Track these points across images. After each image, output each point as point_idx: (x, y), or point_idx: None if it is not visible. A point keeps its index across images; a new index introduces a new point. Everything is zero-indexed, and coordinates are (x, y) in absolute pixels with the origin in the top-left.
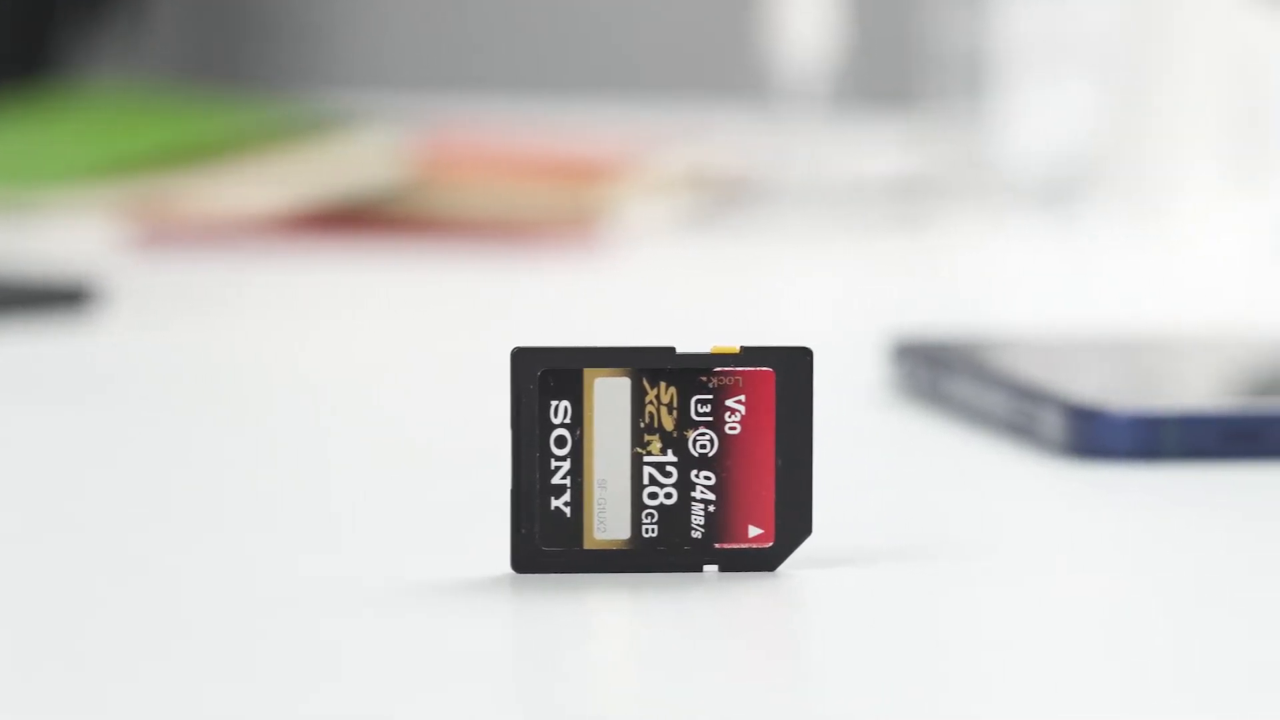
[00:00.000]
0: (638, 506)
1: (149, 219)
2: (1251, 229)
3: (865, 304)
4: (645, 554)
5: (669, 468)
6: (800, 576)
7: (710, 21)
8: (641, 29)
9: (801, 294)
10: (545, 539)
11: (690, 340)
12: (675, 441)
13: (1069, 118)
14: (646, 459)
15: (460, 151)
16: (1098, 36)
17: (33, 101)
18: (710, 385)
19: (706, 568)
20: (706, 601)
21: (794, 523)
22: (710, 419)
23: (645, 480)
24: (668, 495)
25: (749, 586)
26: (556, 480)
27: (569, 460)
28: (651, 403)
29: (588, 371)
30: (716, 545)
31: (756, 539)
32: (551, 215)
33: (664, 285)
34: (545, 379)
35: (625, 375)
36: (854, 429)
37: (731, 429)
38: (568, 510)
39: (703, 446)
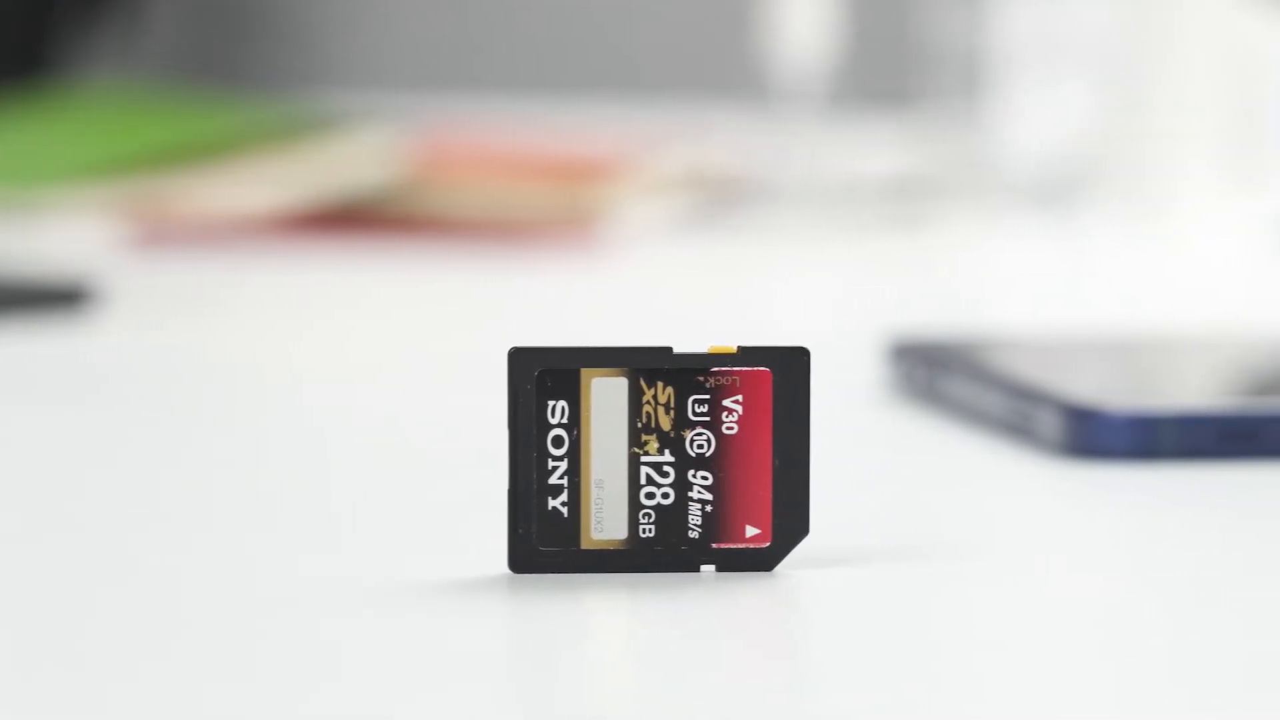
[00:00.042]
0: (635, 506)
1: (146, 219)
2: (1248, 228)
3: (862, 304)
4: (642, 554)
5: (666, 468)
6: (797, 576)
7: (707, 21)
8: (639, 29)
9: (799, 294)
10: (542, 539)
11: (687, 340)
12: (672, 441)
13: (1066, 117)
14: (644, 459)
15: (457, 151)
16: (1095, 36)
17: (30, 101)
18: (707, 385)
19: (704, 568)
20: (704, 601)
21: (791, 523)
22: (707, 419)
23: (642, 480)
24: (665, 495)
25: (746, 586)
26: (554, 480)
27: (566, 460)
28: (649, 403)
29: (585, 371)
30: (714, 545)
31: (754, 539)
32: (548, 215)
33: (661, 285)
34: (542, 379)
35: (622, 375)
36: (851, 429)
37: (729, 429)
38: (565, 510)
39: (700, 446)
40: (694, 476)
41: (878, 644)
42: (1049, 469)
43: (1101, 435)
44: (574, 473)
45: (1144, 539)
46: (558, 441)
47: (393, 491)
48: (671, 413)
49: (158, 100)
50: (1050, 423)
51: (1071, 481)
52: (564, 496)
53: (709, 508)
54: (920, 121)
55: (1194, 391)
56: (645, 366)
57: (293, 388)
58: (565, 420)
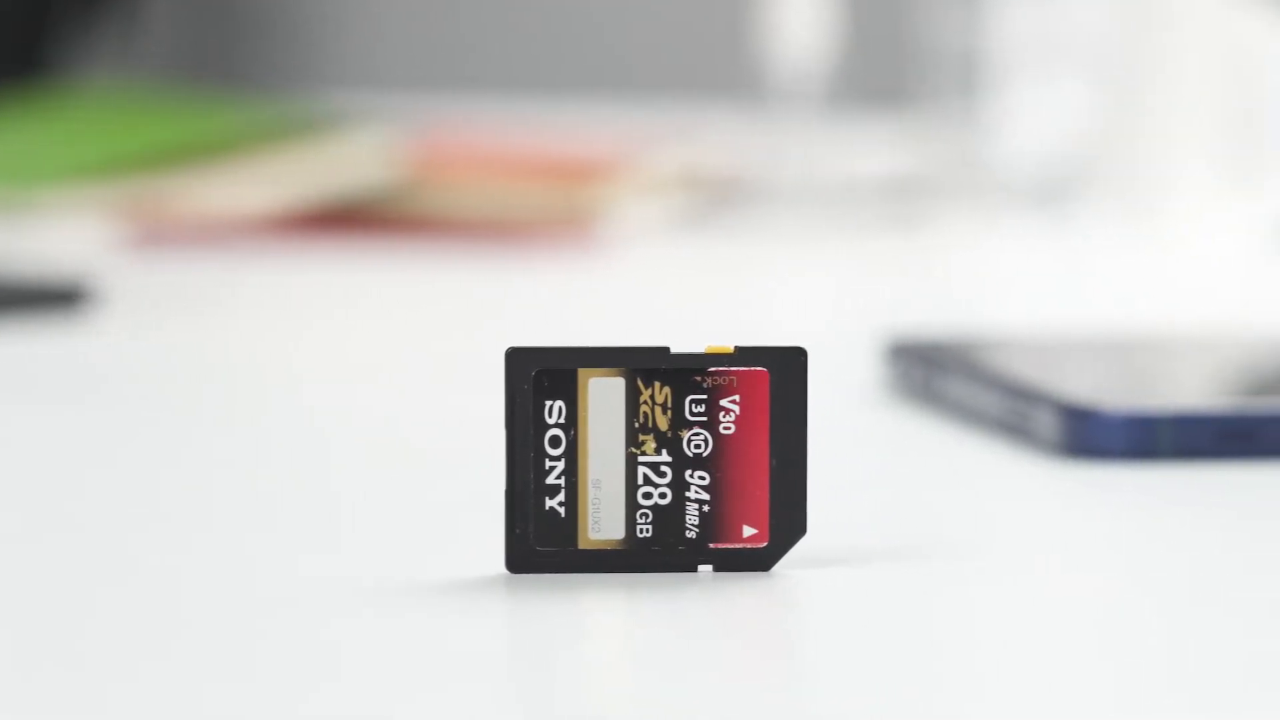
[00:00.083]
0: (632, 506)
1: (143, 219)
2: (1246, 229)
3: (859, 304)
4: (640, 554)
5: (663, 467)
6: (795, 576)
7: (704, 21)
8: (635, 29)
9: (796, 294)
10: (540, 539)
11: (685, 340)
12: (670, 441)
13: (1063, 117)
14: (641, 459)
15: (454, 151)
16: (1091, 36)
17: (27, 101)
18: (705, 385)
19: (701, 568)
20: (701, 601)
21: (788, 522)
22: (705, 419)
23: (640, 480)
24: (662, 495)
25: (743, 586)
26: (551, 480)
27: (564, 460)
28: (646, 403)
29: (582, 371)
30: (711, 545)
31: (751, 539)
32: (545, 215)
33: (658, 285)
34: (540, 379)
35: (620, 375)
36: (848, 429)
37: (726, 429)
38: (562, 510)
39: (697, 446)
40: (691, 476)
41: (875, 644)
42: (1046, 469)
43: (1098, 435)
44: (571, 473)
45: (1141, 539)
46: (555, 441)
47: (391, 491)
48: (669, 413)
49: (156, 100)
50: (1047, 423)
51: (1068, 481)
52: (561, 496)
53: (706, 508)
54: (917, 121)
55: (1191, 391)
56: (642, 366)
57: (291, 388)
58: (562, 420)
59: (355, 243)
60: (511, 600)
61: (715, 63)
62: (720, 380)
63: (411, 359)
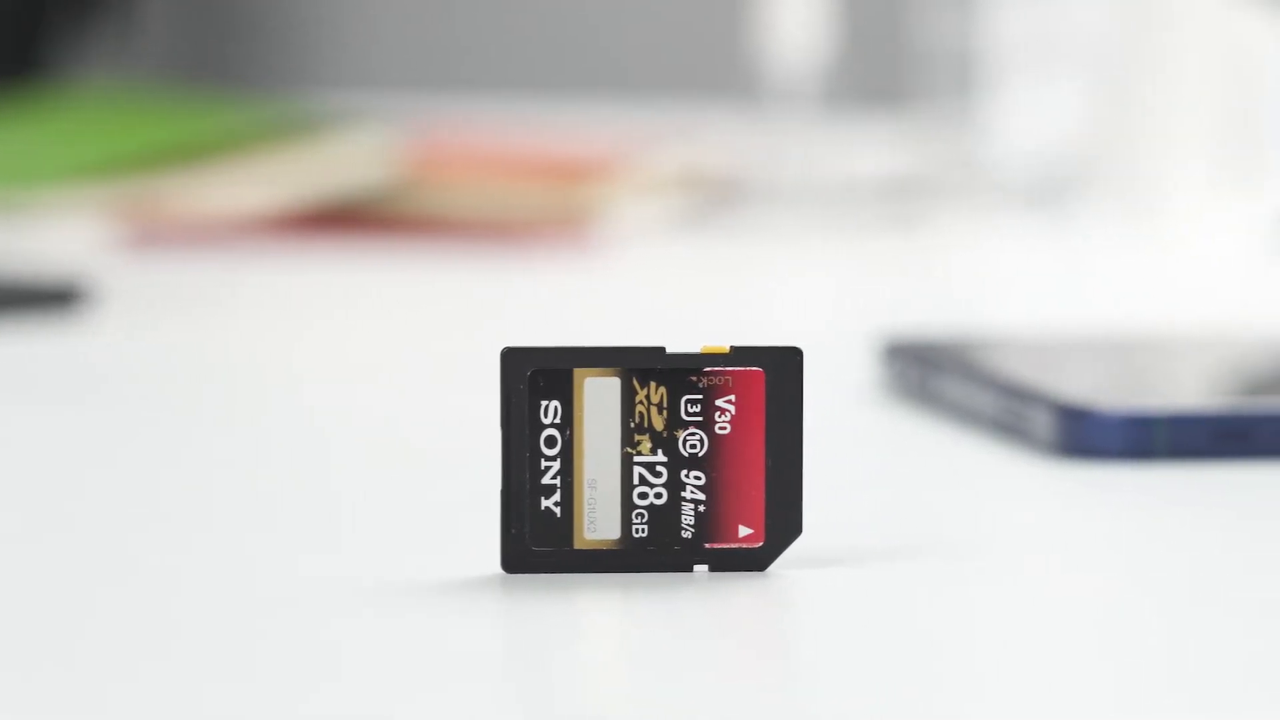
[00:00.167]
0: (628, 506)
1: (140, 219)
2: (1243, 229)
3: (856, 304)
4: (635, 554)
5: (659, 467)
6: (790, 576)
7: (701, 21)
8: (632, 29)
9: (792, 294)
10: (535, 539)
11: (681, 340)
12: (665, 441)
13: (1060, 117)
14: (636, 459)
15: (451, 151)
16: (1089, 36)
17: (23, 102)
18: (700, 385)
19: (697, 568)
20: (697, 601)
21: (784, 522)
22: (700, 419)
23: (635, 480)
24: (658, 495)
25: (739, 586)
26: (547, 480)
27: (559, 460)
28: (641, 403)
29: (578, 371)
30: (707, 545)
31: (747, 539)
32: (542, 215)
33: (655, 285)
34: (535, 379)
35: (615, 375)
36: (844, 429)
37: (721, 429)
38: (558, 510)
39: (693, 446)
40: (687, 476)
41: (871, 644)
42: (1042, 469)
43: (1095, 435)
44: (567, 473)
45: (1138, 539)
46: (550, 441)
47: (386, 491)
48: (664, 413)
49: (152, 100)
50: (1044, 422)
51: (1065, 481)
52: (557, 496)
53: (702, 508)
54: (914, 121)
55: (1188, 391)
56: (638, 366)
57: (289, 388)
58: (558, 420)
59: (353, 243)
60: (508, 600)
61: (713, 63)
62: (716, 380)
63: (409, 359)
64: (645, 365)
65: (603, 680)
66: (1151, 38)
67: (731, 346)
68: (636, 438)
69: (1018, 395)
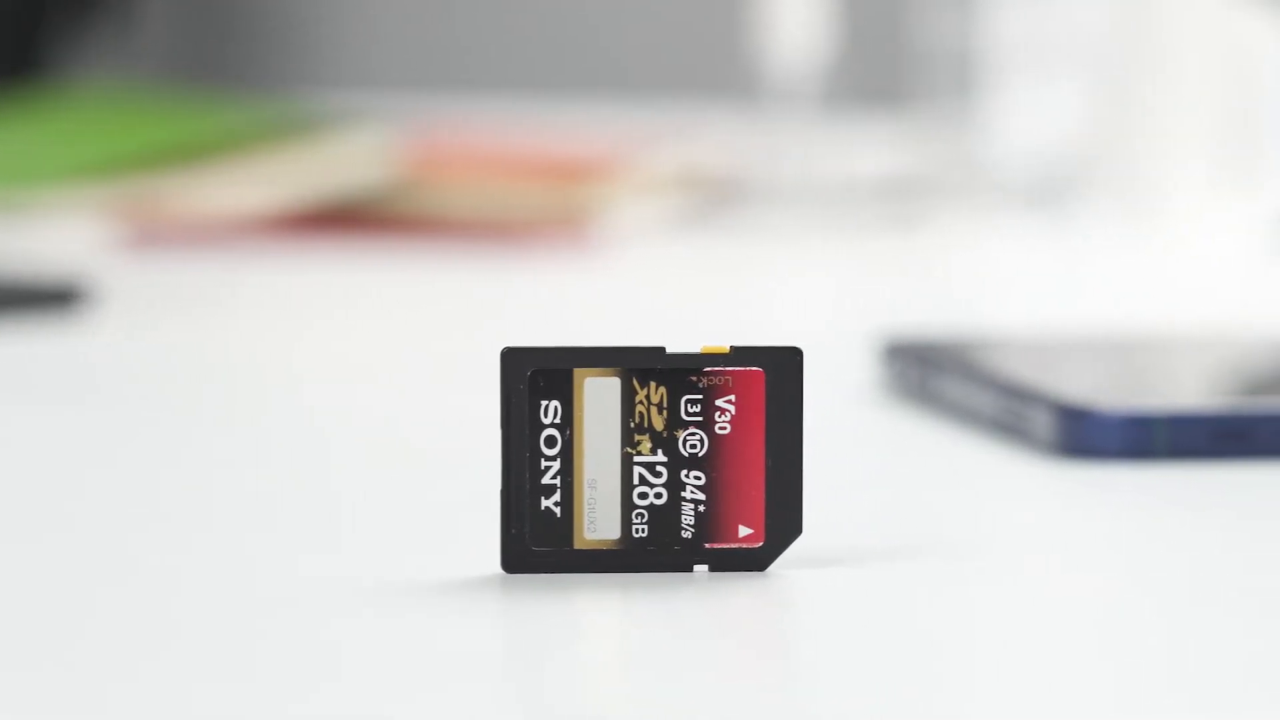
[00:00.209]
0: (628, 506)
1: (139, 219)
2: (1243, 229)
3: (856, 304)
4: (635, 554)
5: (659, 467)
6: (790, 576)
7: (700, 21)
8: (631, 29)
9: (792, 294)
10: (535, 539)
11: (681, 340)
12: (665, 441)
13: (1060, 117)
14: (636, 459)
15: (450, 151)
16: (1088, 36)
17: (24, 102)
18: (700, 385)
19: (696, 568)
20: (696, 601)
21: (784, 522)
22: (700, 419)
23: (635, 480)
24: (658, 495)
25: (739, 586)
26: (546, 480)
27: (559, 460)
28: (641, 403)
29: (578, 371)
30: (706, 545)
31: (746, 539)
32: (542, 215)
33: (655, 285)
34: (535, 379)
35: (615, 375)
36: (844, 429)
37: (721, 429)
38: (558, 510)
39: (693, 446)
40: (687, 476)
41: (871, 644)
42: (1042, 469)
43: (1094, 435)
44: (567, 473)
45: (1138, 539)
46: (550, 441)
47: (386, 491)
48: (664, 413)
49: (152, 100)
50: (1043, 422)
51: (1065, 481)
52: (557, 496)
53: (702, 508)
54: (914, 121)
55: (1187, 391)
56: (638, 366)
57: (289, 388)
58: (558, 420)
59: (352, 243)
60: (507, 600)
61: (713, 63)
62: (716, 380)
63: (409, 359)
64: (645, 365)
65: (602, 680)
66: (1151, 38)
67: (731, 346)
68: (636, 438)
69: (1017, 395)
